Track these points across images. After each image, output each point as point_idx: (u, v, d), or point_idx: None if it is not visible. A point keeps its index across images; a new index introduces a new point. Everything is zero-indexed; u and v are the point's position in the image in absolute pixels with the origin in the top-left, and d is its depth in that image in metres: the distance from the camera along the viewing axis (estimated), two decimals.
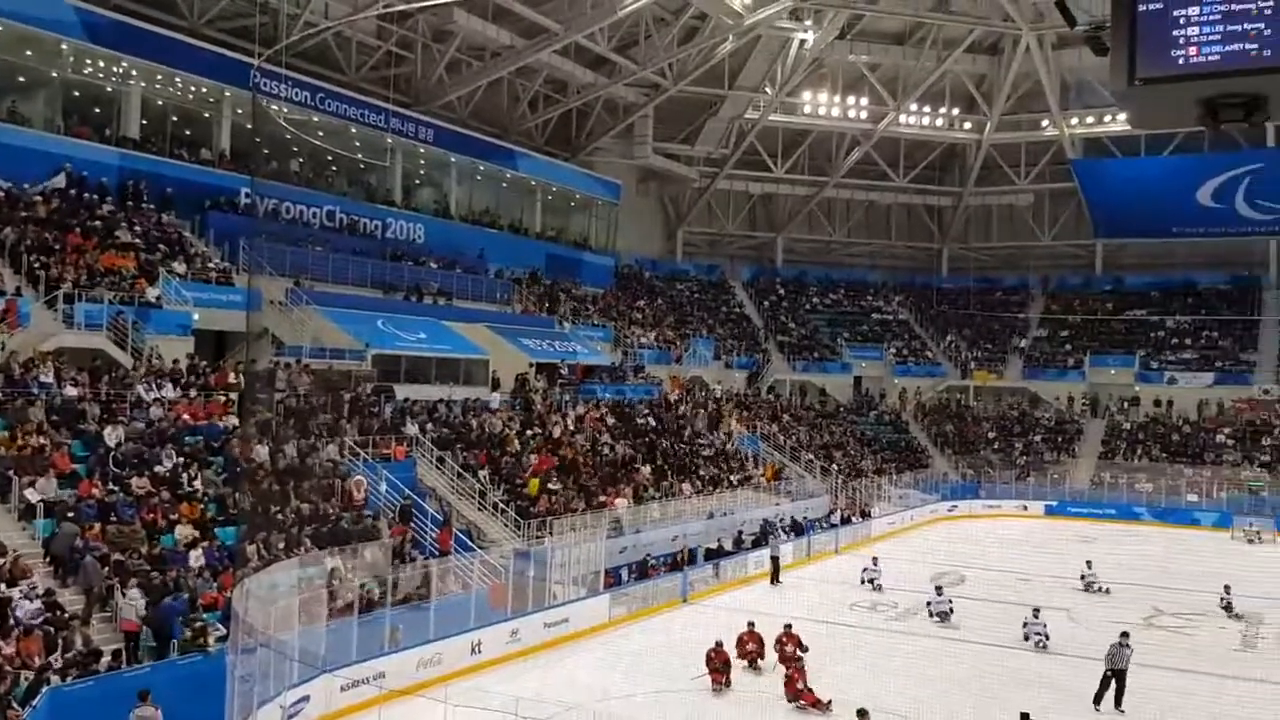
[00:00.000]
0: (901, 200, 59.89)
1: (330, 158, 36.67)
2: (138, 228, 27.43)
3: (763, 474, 38.05)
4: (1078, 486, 45.33)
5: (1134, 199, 51.98)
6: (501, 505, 25.78)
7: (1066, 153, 53.85)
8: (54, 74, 29.56)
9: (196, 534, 18.84)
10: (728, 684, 18.07)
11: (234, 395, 24.04)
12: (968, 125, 55.01)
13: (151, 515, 18.64)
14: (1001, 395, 55.05)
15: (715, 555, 28.93)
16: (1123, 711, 17.12)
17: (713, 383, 46.57)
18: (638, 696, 17.62)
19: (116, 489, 18.83)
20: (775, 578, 28.44)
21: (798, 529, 34.20)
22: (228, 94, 32.69)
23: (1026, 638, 21.54)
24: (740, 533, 31.62)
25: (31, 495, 17.66)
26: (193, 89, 32.40)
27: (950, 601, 23.59)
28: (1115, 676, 17.18)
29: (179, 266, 27.04)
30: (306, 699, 15.39)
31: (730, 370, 49.78)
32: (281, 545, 19.58)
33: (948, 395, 55.26)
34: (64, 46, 28.81)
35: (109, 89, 30.91)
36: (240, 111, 33.08)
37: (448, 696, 14.48)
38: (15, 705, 13.35)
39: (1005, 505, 43.81)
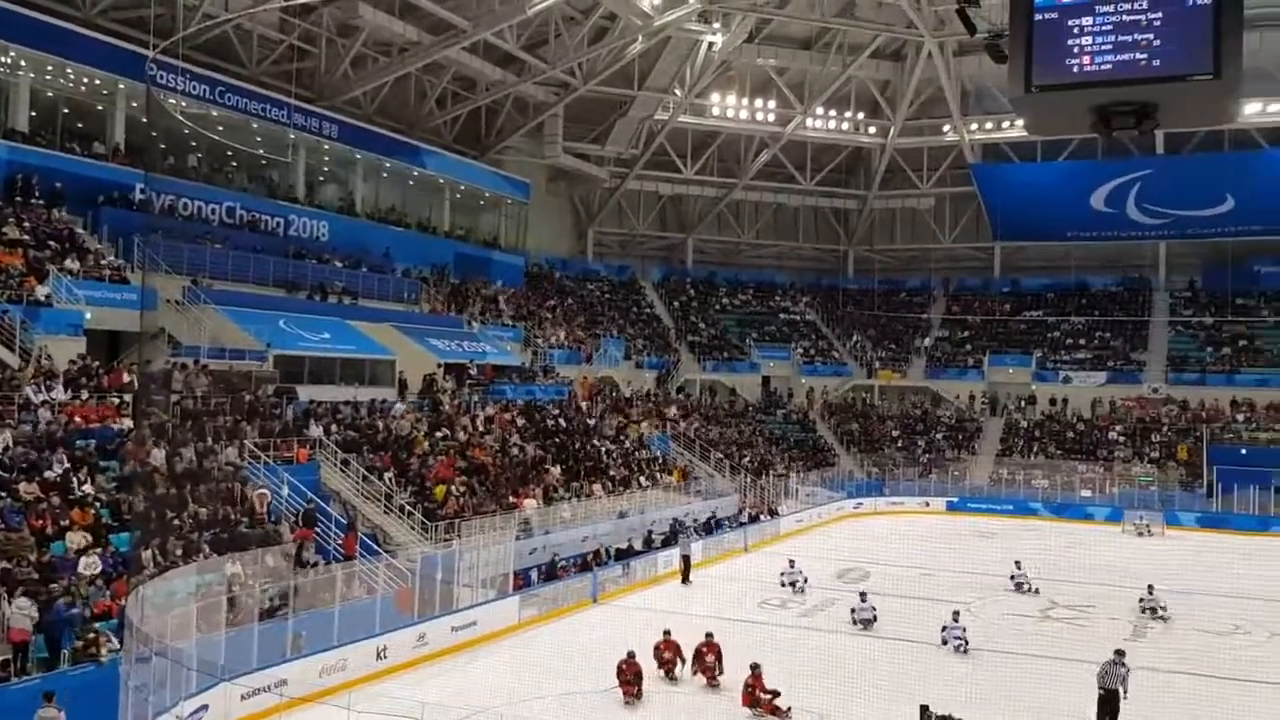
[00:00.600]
0: (809, 203, 60.80)
1: (230, 153, 35.75)
2: (26, 224, 26.37)
3: (673, 476, 38.22)
4: (977, 483, 46.49)
5: (1030, 203, 53.84)
6: (408, 508, 25.43)
7: (967, 157, 55.32)
8: None
9: (89, 540, 18.20)
10: (639, 695, 17.50)
11: (128, 397, 23.31)
12: (872, 130, 56.12)
13: (41, 522, 17.94)
14: (905, 394, 56.23)
15: (625, 555, 28.98)
16: None
17: (623, 383, 46.66)
18: (548, 699, 17.53)
19: (4, 495, 18.08)
20: (686, 577, 28.60)
21: (711, 527, 34.50)
22: (122, 86, 31.58)
23: (944, 642, 21.26)
24: (650, 532, 31.72)
25: None
26: (85, 80, 31.22)
27: (874, 609, 23.15)
28: (1108, 696, 16.36)
29: (70, 264, 26.08)
30: (205, 708, 14.99)
31: (641, 370, 49.91)
32: (179, 551, 19.03)
33: (853, 394, 56.23)
34: None
35: None
36: (136, 104, 32.00)
37: (351, 703, 14.24)
38: None
39: (908, 502, 44.74)
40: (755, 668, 17.26)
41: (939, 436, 51.56)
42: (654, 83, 49.07)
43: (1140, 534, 39.37)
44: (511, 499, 28.60)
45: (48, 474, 19.25)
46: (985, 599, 26.54)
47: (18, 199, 27.36)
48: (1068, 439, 49.22)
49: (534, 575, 26.00)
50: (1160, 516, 40.47)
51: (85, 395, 22.51)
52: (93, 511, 18.99)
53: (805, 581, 26.96)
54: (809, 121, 53.99)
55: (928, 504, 44.58)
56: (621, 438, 38.94)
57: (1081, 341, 55.28)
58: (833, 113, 54.29)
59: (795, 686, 16.96)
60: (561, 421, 36.82)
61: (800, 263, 63.89)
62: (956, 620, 21.55)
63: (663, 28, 43.24)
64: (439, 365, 35.29)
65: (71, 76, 30.87)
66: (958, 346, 57.39)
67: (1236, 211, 50.80)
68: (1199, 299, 55.52)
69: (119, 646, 15.41)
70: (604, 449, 36.67)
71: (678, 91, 50.10)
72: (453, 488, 27.27)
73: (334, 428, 27.67)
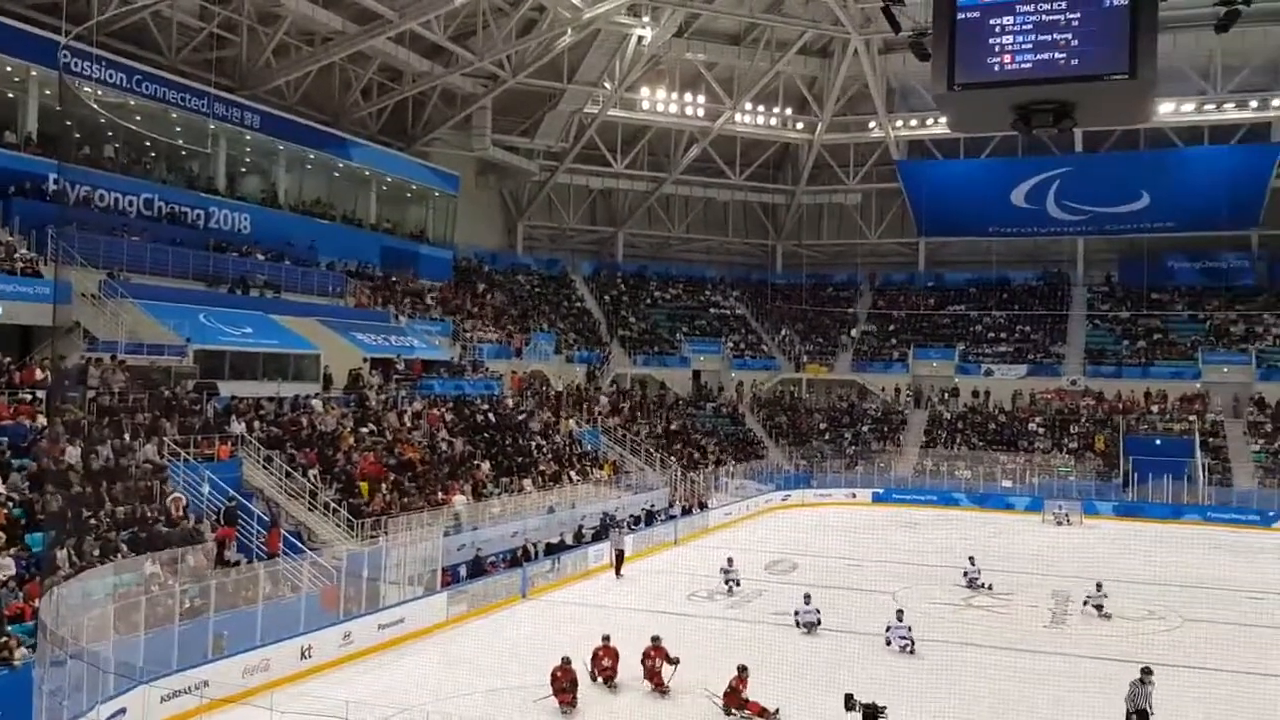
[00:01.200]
0: (738, 197, 61.16)
1: (148, 143, 34.81)
2: None
3: (603, 470, 38.21)
4: (902, 474, 47.26)
5: (954, 199, 54.93)
6: (334, 505, 25.06)
7: (892, 154, 56.12)
8: None
9: (1, 541, 17.63)
10: (574, 704, 16.79)
11: (41, 394, 22.64)
12: (800, 125, 56.60)
13: None
14: (832, 388, 56.88)
15: (556, 550, 28.92)
16: None
17: (554, 377, 46.49)
18: (475, 695, 17.41)
19: None
20: (619, 570, 28.63)
21: (648, 520, 34.67)
22: (34, 73, 30.52)
23: (889, 643, 20.82)
24: (581, 527, 31.68)
25: None
26: None
27: (818, 612, 22.28)
28: (1138, 716, 15.65)
29: None
30: (123, 712, 14.62)
31: (571, 365, 49.77)
32: (96, 551, 18.54)
33: (782, 388, 56.75)
34: None
35: None
36: (49, 93, 30.94)
37: (275, 703, 13.99)
38: None
39: (835, 494, 45.27)
40: (742, 670, 16.74)
41: (865, 429, 52.28)
42: (584, 76, 48.92)
43: (1059, 523, 40.34)
44: (440, 495, 28.34)
45: None
46: (910, 588, 26.99)
47: None
48: (989, 430, 50.25)
49: (463, 571, 25.81)
50: (1078, 506, 41.51)
51: None
52: (5, 511, 18.40)
53: (737, 585, 26.50)
54: (738, 116, 54.29)
55: (854, 495, 45.17)
56: (552, 432, 38.81)
57: (1003, 335, 56.45)
58: (761, 108, 54.67)
59: (724, 676, 17.04)
60: (491, 416, 36.57)
61: (730, 257, 64.25)
62: (901, 620, 21.12)
63: (592, 21, 43.12)
64: (365, 360, 34.78)
65: None
66: (883, 340, 58.22)
67: (1151, 208, 52.36)
68: (1115, 294, 57.05)
69: (33, 650, 14.97)
70: (534, 444, 36.51)
71: (607, 85, 50.00)
72: (381, 484, 26.92)
73: (257, 424, 27.15)
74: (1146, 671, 15.76)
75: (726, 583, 26.49)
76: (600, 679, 18.13)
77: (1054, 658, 20.49)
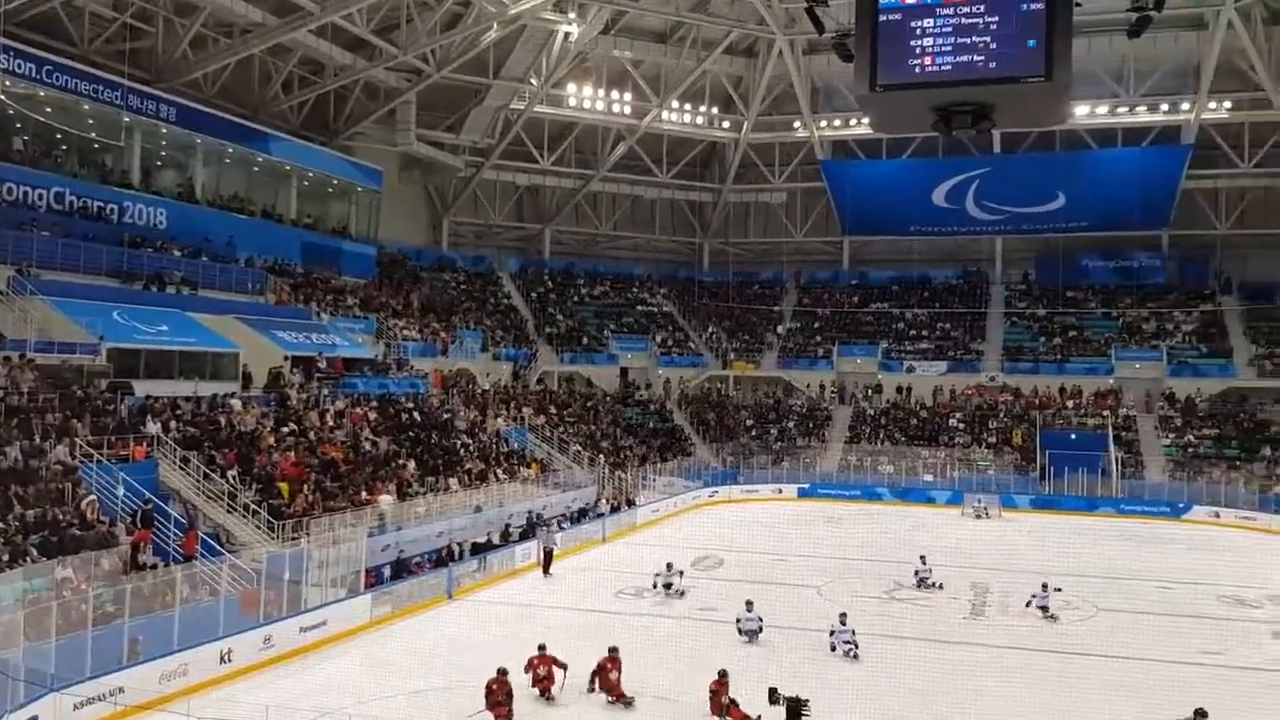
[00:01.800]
0: (665, 195, 61.32)
1: (59, 135, 33.74)
2: None
3: (531, 469, 38.03)
4: (827, 470, 47.90)
5: (876, 199, 55.81)
6: (254, 506, 24.55)
7: (817, 154, 56.74)
8: None
9: None
10: (510, 716, 15.93)
11: None
12: (726, 124, 56.96)
13: None
14: (758, 384, 57.35)
15: (483, 549, 28.69)
16: None
17: (480, 375, 46.12)
18: (398, 697, 17.21)
19: None
20: (547, 569, 28.50)
21: (578, 519, 34.63)
22: None
23: (834, 648, 20.26)
24: (508, 526, 31.49)
25: None
26: None
27: (760, 620, 21.35)
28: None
29: None
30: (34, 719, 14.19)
31: (498, 362, 49.43)
32: (5, 556, 17.97)
33: (709, 385, 57.05)
34: None
35: None
36: None
37: (192, 709, 13.69)
38: None
39: (762, 490, 45.71)
40: (723, 674, 16.11)
41: (791, 425, 52.82)
42: (510, 72, 48.58)
43: (979, 516, 41.23)
44: (365, 495, 27.95)
45: None
46: (832, 582, 27.33)
47: None
48: (911, 426, 51.11)
49: (387, 572, 25.47)
50: (997, 499, 42.50)
51: None
52: None
53: (678, 591, 25.56)
54: (665, 114, 54.46)
55: (780, 491, 45.62)
56: (478, 431, 38.53)
57: (924, 333, 57.47)
58: (688, 107, 54.92)
59: (652, 673, 17.08)
60: (416, 415, 36.16)
61: (657, 254, 64.37)
62: (844, 623, 20.53)
63: (517, 16, 42.84)
64: (286, 358, 34.12)
65: None
66: (808, 338, 58.86)
67: (1067, 209, 53.72)
68: (1032, 292, 58.44)
69: None
70: (460, 443, 36.20)
71: (534, 81, 49.72)
72: (303, 485, 26.45)
73: (173, 424, 26.50)
74: (1201, 713, 14.62)
75: (664, 587, 25.45)
76: (536, 689, 17.17)
77: (976, 648, 20.92)
